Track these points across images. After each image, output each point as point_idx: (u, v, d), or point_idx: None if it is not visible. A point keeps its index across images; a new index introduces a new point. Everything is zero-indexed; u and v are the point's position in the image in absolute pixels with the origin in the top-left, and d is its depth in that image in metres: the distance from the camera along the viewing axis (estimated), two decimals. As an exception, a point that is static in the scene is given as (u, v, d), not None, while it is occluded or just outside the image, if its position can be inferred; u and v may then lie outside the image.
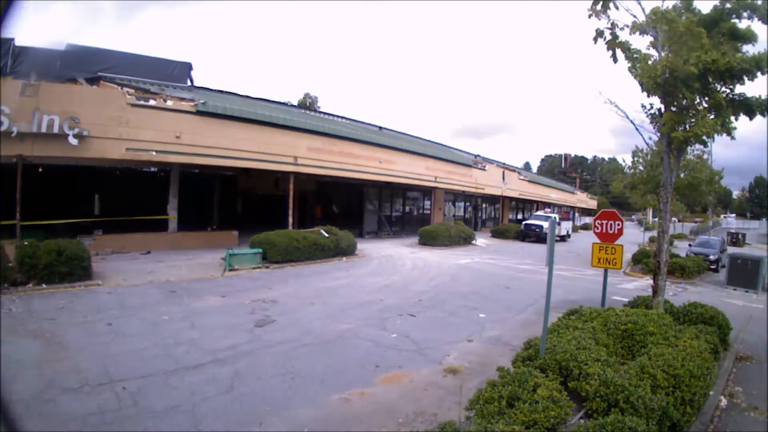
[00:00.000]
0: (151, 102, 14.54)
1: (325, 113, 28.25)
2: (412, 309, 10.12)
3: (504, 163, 42.46)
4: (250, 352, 6.91)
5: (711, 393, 5.94)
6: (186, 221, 17.74)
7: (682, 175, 13.86)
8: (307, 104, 48.71)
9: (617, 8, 5.50)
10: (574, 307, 8.06)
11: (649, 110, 8.63)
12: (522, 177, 41.98)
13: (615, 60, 5.47)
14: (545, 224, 28.90)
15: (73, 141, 12.54)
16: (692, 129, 7.70)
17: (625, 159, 36.74)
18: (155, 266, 13.04)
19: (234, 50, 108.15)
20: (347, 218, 24.61)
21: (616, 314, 6.98)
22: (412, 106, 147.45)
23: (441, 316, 9.79)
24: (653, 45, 7.87)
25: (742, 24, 7.71)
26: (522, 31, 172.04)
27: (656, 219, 15.60)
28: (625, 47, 5.43)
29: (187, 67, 20.28)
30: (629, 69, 8.19)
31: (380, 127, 28.82)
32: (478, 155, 38.30)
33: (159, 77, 18.36)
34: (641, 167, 17.74)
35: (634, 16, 7.65)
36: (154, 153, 14.37)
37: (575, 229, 45.54)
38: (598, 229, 9.09)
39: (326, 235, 16.87)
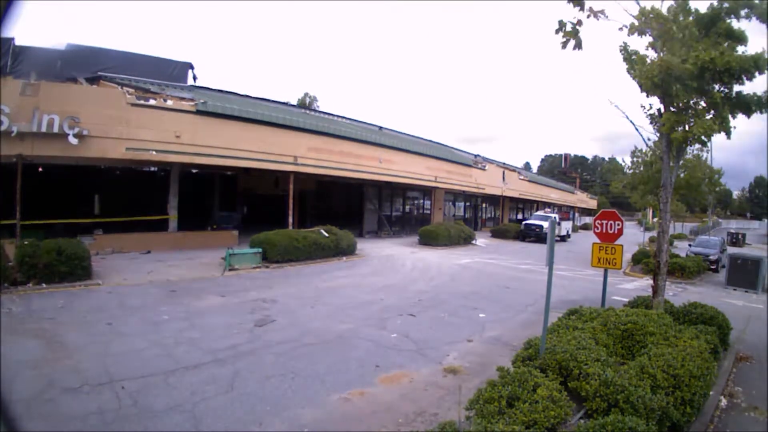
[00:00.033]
0: (151, 102, 14.55)
1: (325, 113, 28.24)
2: (412, 309, 10.12)
3: (504, 163, 42.46)
4: (250, 351, 6.91)
5: (711, 393, 5.94)
6: (186, 221, 17.75)
7: (681, 175, 13.88)
8: (307, 104, 48.73)
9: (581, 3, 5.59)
10: (574, 307, 8.05)
11: (648, 111, 8.63)
12: (522, 177, 42.00)
13: (564, 46, 5.57)
14: (545, 224, 28.91)
15: (73, 140, 12.54)
16: (691, 129, 7.68)
17: (625, 159, 36.78)
18: (155, 266, 13.04)
19: (234, 50, 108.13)
20: (347, 218, 24.61)
21: (616, 314, 6.97)
22: (412, 106, 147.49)
23: (441, 316, 9.79)
24: (651, 46, 7.86)
25: (740, 24, 7.70)
26: (521, 32, 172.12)
27: (656, 219, 15.61)
28: (579, 43, 5.50)
29: (187, 67, 20.27)
30: (627, 70, 8.17)
31: (380, 127, 28.81)
32: (478, 155, 38.29)
33: (159, 77, 18.36)
34: (641, 167, 17.78)
35: (633, 17, 7.64)
36: (154, 152, 14.38)
37: (575, 229, 45.56)
38: (598, 229, 9.09)
39: (326, 234, 16.87)
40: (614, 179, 28.39)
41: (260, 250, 14.38)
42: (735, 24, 7.67)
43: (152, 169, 20.89)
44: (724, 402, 6.17)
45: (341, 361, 6.75)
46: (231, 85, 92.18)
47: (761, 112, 7.71)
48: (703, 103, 7.89)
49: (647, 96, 8.17)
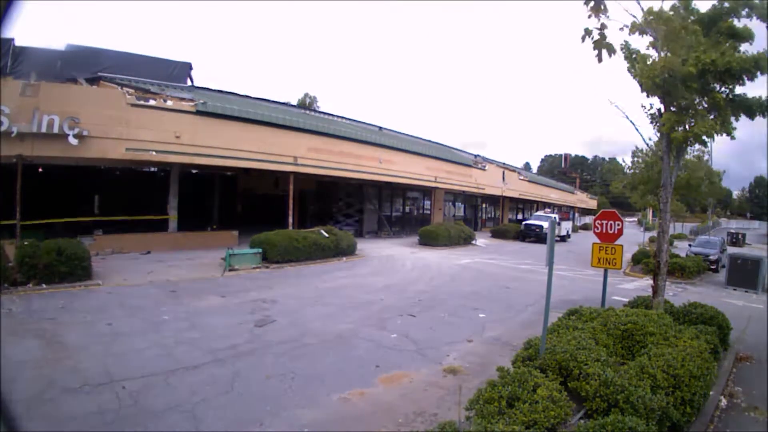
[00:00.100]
0: (151, 102, 14.56)
1: (325, 113, 28.25)
2: (412, 309, 10.12)
3: (504, 163, 42.46)
4: (250, 352, 6.92)
5: (711, 393, 5.94)
6: (186, 221, 17.75)
7: (681, 175, 13.87)
8: (307, 104, 48.73)
9: (607, 16, 5.53)
10: (574, 307, 8.05)
11: (648, 110, 8.63)
12: (522, 177, 42.00)
13: (600, 60, 5.52)
14: (545, 224, 28.91)
15: (73, 141, 12.55)
16: (692, 129, 7.69)
17: (625, 159, 36.68)
18: (155, 266, 13.04)
19: (234, 50, 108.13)
20: (347, 218, 24.63)
21: (616, 314, 6.97)
22: (412, 106, 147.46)
23: (441, 316, 9.79)
24: (653, 45, 7.86)
25: (741, 23, 7.70)
26: (522, 32, 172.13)
27: (656, 219, 15.61)
28: (613, 50, 5.46)
29: (187, 67, 20.30)
30: (628, 69, 8.18)
31: (380, 127, 28.82)
32: (478, 155, 38.30)
33: (159, 77, 18.37)
34: (641, 167, 17.79)
35: (634, 16, 7.65)
36: (154, 153, 14.38)
37: (575, 229, 45.55)
38: (598, 229, 9.09)
39: (326, 235, 16.88)
40: (614, 179, 28.42)
41: (260, 250, 14.38)
42: (736, 23, 7.68)
43: (152, 169, 20.91)
44: (724, 402, 6.17)
45: (341, 361, 6.75)
46: (231, 85, 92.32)
47: (763, 116, 7.71)
48: (704, 104, 7.89)
49: (648, 96, 8.18)
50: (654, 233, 25.65)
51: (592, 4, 5.35)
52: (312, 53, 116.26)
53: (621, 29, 7.70)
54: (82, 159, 14.25)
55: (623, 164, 23.52)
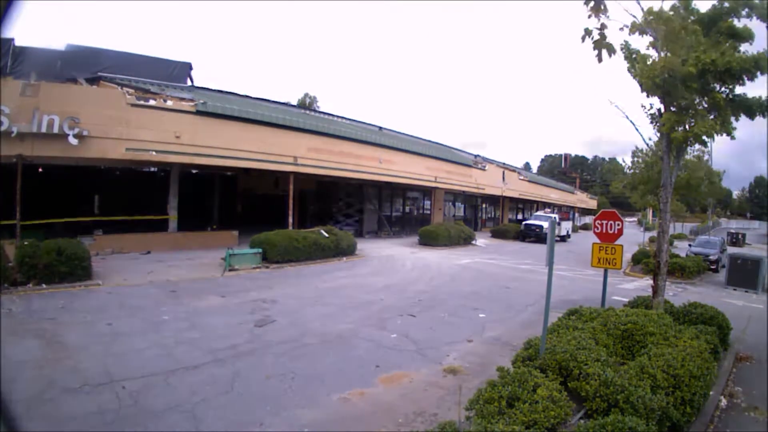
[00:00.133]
0: (151, 102, 14.55)
1: (325, 113, 28.25)
2: (412, 309, 10.12)
3: (504, 163, 42.46)
4: (250, 352, 6.92)
5: (711, 393, 5.94)
6: (186, 221, 17.75)
7: (681, 175, 13.87)
8: (307, 104, 48.73)
9: (607, 16, 5.52)
10: (574, 307, 8.05)
11: (648, 110, 8.63)
12: (522, 177, 42.00)
13: (600, 60, 5.52)
14: (545, 224, 28.91)
15: (73, 141, 12.55)
16: (692, 129, 7.69)
17: (625, 159, 36.69)
18: (155, 266, 13.04)
19: (234, 50, 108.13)
20: (347, 218, 24.64)
21: (616, 314, 6.97)
22: (412, 106, 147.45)
23: (441, 316, 9.79)
24: (653, 45, 7.86)
25: (741, 23, 7.70)
26: (522, 32, 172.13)
27: (656, 219, 15.61)
28: (613, 50, 5.46)
29: (187, 67, 20.30)
30: (628, 69, 8.18)
31: (380, 127, 28.82)
32: (478, 155, 38.30)
33: (159, 77, 18.37)
34: (641, 167, 17.78)
35: (634, 16, 7.65)
36: (154, 153, 14.38)
37: (575, 229, 45.55)
38: (598, 229, 9.09)
39: (326, 235, 16.88)
40: (614, 179, 28.42)
41: (260, 250, 14.38)
42: (736, 23, 7.68)
43: (152, 169, 20.91)
44: (724, 402, 6.17)
45: (341, 361, 6.75)
46: (231, 85, 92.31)
47: (763, 116, 7.71)
48: (704, 104, 7.89)
49: (648, 96, 8.18)
50: (654, 233, 25.65)
51: (592, 4, 5.35)
52: (312, 53, 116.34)
53: (621, 29, 7.70)
54: (82, 159, 14.26)
55: (623, 164, 23.53)
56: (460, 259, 19.52)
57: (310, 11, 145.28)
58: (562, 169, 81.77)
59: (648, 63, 7.75)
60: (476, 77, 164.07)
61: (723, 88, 7.74)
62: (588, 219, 57.07)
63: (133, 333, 7.40)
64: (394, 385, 6.05)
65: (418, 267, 16.50)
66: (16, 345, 6.39)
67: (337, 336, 7.95)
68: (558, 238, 30.66)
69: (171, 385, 5.55)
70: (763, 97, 7.66)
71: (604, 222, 8.99)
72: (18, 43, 14.53)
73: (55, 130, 12.27)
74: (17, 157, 11.23)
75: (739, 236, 42.15)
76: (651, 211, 36.12)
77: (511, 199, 42.31)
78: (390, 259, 17.93)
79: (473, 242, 26.23)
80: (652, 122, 8.70)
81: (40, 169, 15.76)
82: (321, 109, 36.77)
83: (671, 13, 7.57)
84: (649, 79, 7.54)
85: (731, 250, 25.54)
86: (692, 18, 7.75)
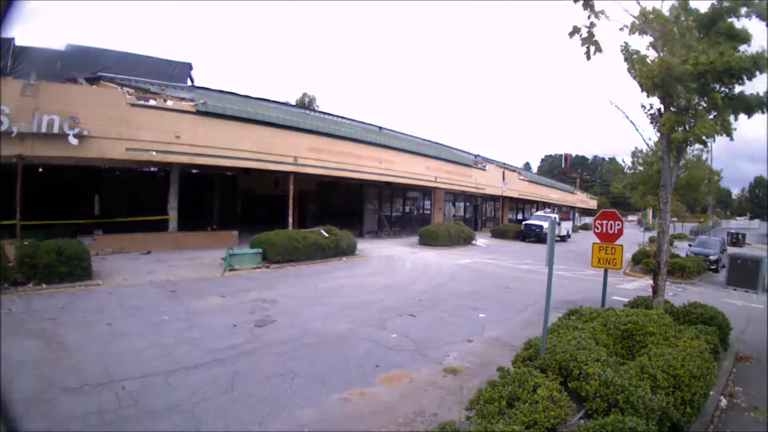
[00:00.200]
0: (151, 102, 14.56)
1: (324, 113, 28.27)
2: (412, 309, 10.12)
3: (504, 163, 42.48)
4: (250, 351, 6.91)
5: (711, 393, 5.94)
6: (186, 221, 17.75)
7: (681, 175, 13.89)
8: (306, 104, 48.70)
9: (597, 17, 5.54)
10: (574, 307, 8.05)
11: (648, 110, 8.63)
12: (522, 177, 42.00)
13: (588, 57, 5.52)
14: (545, 224, 28.90)
15: (73, 141, 12.55)
16: (692, 129, 7.69)
17: (625, 159, 36.78)
18: (155, 266, 13.04)
19: (234, 50, 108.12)
20: (347, 218, 24.62)
21: (616, 314, 6.97)
22: (412, 106, 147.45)
23: (441, 316, 9.79)
24: (652, 45, 7.86)
25: (740, 23, 7.70)
26: (522, 32, 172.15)
27: (656, 219, 15.63)
28: (599, 48, 5.48)
29: (187, 67, 20.32)
30: (628, 70, 8.17)
31: (380, 127, 28.85)
32: (478, 155, 38.31)
33: (159, 77, 18.39)
34: (641, 167, 17.79)
35: (633, 16, 7.64)
36: (154, 153, 14.39)
37: (575, 229, 45.55)
38: (598, 229, 9.09)
39: (326, 235, 16.88)
40: (614, 179, 28.42)
41: (260, 250, 14.38)
42: (736, 23, 7.67)
43: (152, 169, 20.91)
44: (724, 402, 6.17)
45: (341, 361, 6.75)
46: (231, 85, 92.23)
47: (762, 112, 7.71)
48: (703, 104, 7.89)
49: (647, 96, 8.18)
50: (654, 233, 25.65)
51: (581, 2, 5.40)
52: (312, 53, 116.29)
53: (621, 29, 7.69)
54: (82, 159, 14.26)
55: (623, 164, 23.53)
56: (460, 259, 19.52)
57: (310, 11, 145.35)
58: (562, 169, 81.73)
59: (647, 63, 7.74)
60: (477, 77, 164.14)
61: (722, 88, 7.74)
62: (588, 219, 57.06)
63: (133, 333, 7.40)
64: (394, 385, 6.05)
65: (418, 267, 16.50)
66: (16, 345, 6.39)
67: (337, 336, 7.95)
68: (558, 238, 30.66)
69: (171, 385, 5.55)
70: (761, 93, 7.65)
71: (604, 222, 8.99)
72: (18, 43, 14.54)
73: (55, 130, 12.27)
74: (17, 157, 11.24)
75: (739, 236, 42.15)
76: (651, 211, 36.12)
77: (511, 199, 42.31)
78: (390, 259, 17.93)
79: (473, 242, 26.23)
80: (652, 122, 8.69)
81: (40, 169, 15.76)
82: (320, 109, 36.78)
83: (670, 13, 7.57)
84: (649, 80, 7.54)
85: (731, 250, 25.54)
86: (691, 18, 7.74)
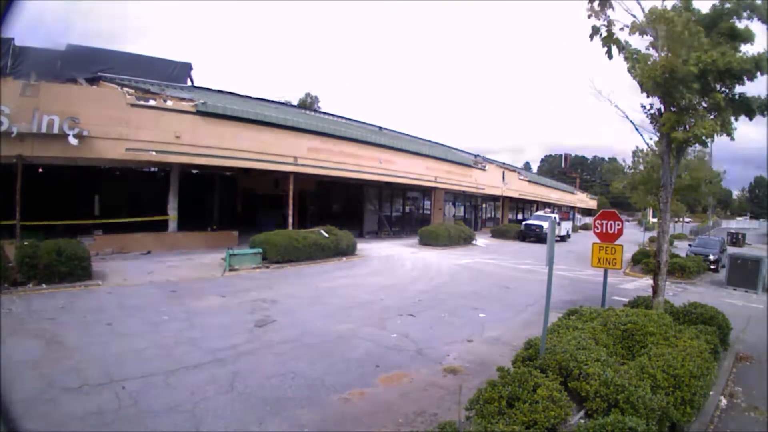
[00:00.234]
0: (151, 102, 14.55)
1: (325, 113, 28.28)
2: (412, 309, 10.12)
3: (504, 163, 42.51)
4: (250, 351, 6.91)
5: (711, 393, 5.94)
6: (186, 221, 17.73)
7: (682, 176, 13.88)
8: (308, 104, 48.71)
9: (613, 9, 5.52)
10: (574, 307, 8.05)
11: (649, 110, 8.63)
12: (522, 177, 42.01)
13: (610, 57, 5.53)
14: (545, 224, 28.89)
15: (73, 141, 12.54)
16: (692, 129, 7.69)
17: (625, 159, 36.74)
18: (155, 266, 13.04)
19: (234, 50, 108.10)
20: (347, 218, 24.62)
21: (616, 314, 6.98)
22: (412, 106, 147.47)
23: (441, 316, 9.79)
24: (653, 45, 7.86)
25: (741, 24, 7.70)
26: (523, 32, 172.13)
27: (656, 219, 15.61)
28: (621, 45, 5.47)
29: (187, 67, 20.31)
30: (628, 70, 8.17)
31: (380, 128, 28.85)
32: (478, 155, 38.32)
33: (159, 77, 18.39)
34: (641, 167, 17.78)
35: (634, 16, 7.65)
36: (154, 153, 14.38)
37: (575, 229, 45.53)
38: (598, 229, 9.09)
39: (326, 235, 16.87)
40: (614, 179, 28.40)
41: (260, 250, 14.38)
42: (738, 24, 7.67)
43: (152, 169, 20.91)
44: (724, 402, 6.17)
45: (341, 361, 6.75)
46: (231, 85, 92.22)
47: (763, 115, 7.71)
48: (704, 104, 7.89)
49: (648, 96, 8.18)
50: (654, 233, 25.64)
51: (596, 2, 5.38)
52: (313, 53, 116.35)
53: (621, 29, 7.70)
54: (82, 159, 14.25)
55: (623, 164, 23.52)
56: (460, 259, 19.52)
57: (310, 11, 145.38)
58: (562, 169, 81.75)
59: (648, 63, 7.74)
60: (477, 77, 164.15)
61: (723, 89, 7.74)
62: (588, 219, 57.05)
63: (132, 333, 7.40)
64: (394, 385, 6.05)
65: (418, 267, 16.49)
66: (16, 345, 6.39)
67: (337, 336, 7.95)
68: (558, 238, 30.64)
69: (171, 385, 5.55)
70: (762, 96, 7.66)
71: (604, 222, 9.00)
72: (18, 43, 14.53)
73: (55, 130, 12.26)
74: (17, 158, 11.23)
75: (739, 236, 42.14)
76: (651, 211, 36.11)
77: (511, 199, 42.31)
78: (390, 259, 17.92)
79: (473, 242, 26.23)
80: (652, 122, 8.69)
81: (40, 170, 15.76)
82: (322, 109, 36.84)
83: (672, 13, 7.57)
84: (650, 79, 7.54)
85: (731, 250, 25.53)
86: (693, 18, 7.74)
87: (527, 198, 43.75)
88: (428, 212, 31.88)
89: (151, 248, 15.58)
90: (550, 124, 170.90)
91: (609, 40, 5.41)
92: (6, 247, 10.05)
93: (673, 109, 8.00)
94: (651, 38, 7.77)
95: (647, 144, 11.13)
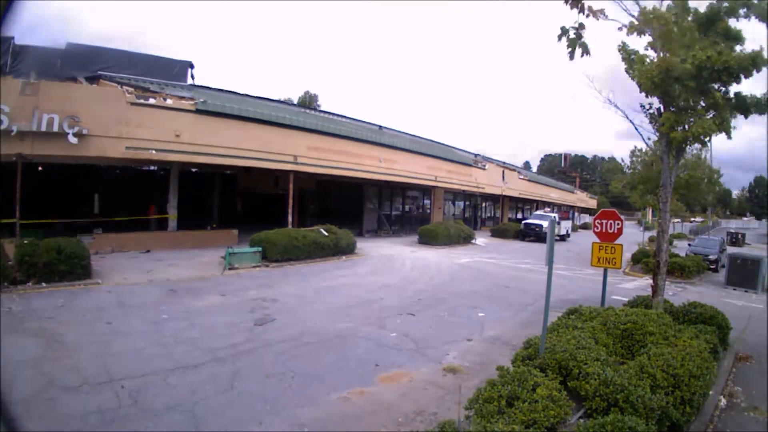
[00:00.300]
0: (151, 101, 14.53)
1: (325, 112, 28.24)
2: (411, 308, 10.13)
3: (504, 163, 42.47)
4: (249, 350, 6.92)
5: (711, 393, 5.94)
6: (186, 220, 17.73)
7: (681, 175, 13.89)
8: (308, 102, 48.70)
9: (583, 9, 5.56)
10: (573, 306, 8.06)
11: (647, 110, 8.63)
12: (522, 176, 41.99)
13: (571, 57, 5.56)
14: (545, 223, 28.89)
15: (73, 140, 12.52)
16: (691, 129, 7.69)
17: (624, 159, 36.74)
18: (155, 265, 13.03)
19: (234, 49, 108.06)
20: (347, 217, 24.61)
21: (615, 314, 6.98)
22: (412, 106, 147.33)
23: (440, 315, 9.79)
24: (651, 45, 7.86)
25: (739, 23, 7.69)
26: (523, 32, 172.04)
27: (656, 218, 15.62)
28: (586, 48, 5.49)
29: (187, 66, 20.26)
30: (626, 70, 8.17)
31: (380, 127, 28.80)
32: (479, 154, 38.30)
33: (159, 76, 18.35)
34: (640, 167, 17.79)
35: (632, 17, 7.63)
36: (153, 152, 14.36)
37: (575, 228, 45.54)
38: (597, 228, 9.09)
39: (326, 234, 16.87)
40: (614, 179, 28.41)
41: (260, 249, 14.37)
42: (734, 24, 7.67)
43: (152, 168, 20.90)
44: (723, 402, 6.18)
45: (341, 360, 6.75)
46: (231, 85, 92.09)
47: (760, 114, 7.71)
48: (702, 103, 7.89)
49: (646, 96, 8.18)
50: (654, 233, 25.64)
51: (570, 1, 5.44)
52: (313, 52, 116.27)
53: (619, 29, 7.69)
54: (82, 158, 14.22)
55: (623, 164, 23.53)
56: (460, 258, 19.52)
57: (310, 10, 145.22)
58: (562, 168, 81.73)
59: (646, 63, 7.74)
60: (477, 76, 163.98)
61: (721, 87, 7.73)
62: (588, 218, 57.05)
63: (132, 332, 7.40)
64: (393, 384, 6.06)
65: (417, 266, 16.50)
66: (16, 344, 6.38)
67: (336, 335, 7.95)
68: (558, 238, 30.65)
69: (170, 385, 5.55)
70: (758, 95, 7.65)
71: (604, 221, 9.00)
72: (18, 42, 14.50)
73: (55, 128, 12.24)
74: (17, 156, 11.22)
75: (739, 236, 42.16)
76: (651, 210, 36.11)
77: (511, 198, 42.29)
78: (389, 258, 17.92)
79: (473, 241, 26.23)
80: (651, 122, 8.69)
81: (40, 168, 15.75)
82: (322, 108, 36.83)
83: (669, 12, 7.56)
84: (648, 80, 7.54)
85: (731, 249, 25.55)
86: (690, 18, 7.73)
87: (527, 197, 43.72)
88: (428, 211, 31.87)
89: (150, 247, 15.57)
90: (550, 125, 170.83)
91: (575, 43, 5.44)
92: (6, 245, 10.05)
93: (672, 109, 8.00)
94: (649, 38, 7.76)
95: (647, 144, 11.15)
